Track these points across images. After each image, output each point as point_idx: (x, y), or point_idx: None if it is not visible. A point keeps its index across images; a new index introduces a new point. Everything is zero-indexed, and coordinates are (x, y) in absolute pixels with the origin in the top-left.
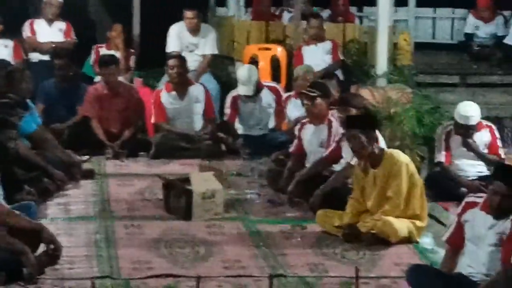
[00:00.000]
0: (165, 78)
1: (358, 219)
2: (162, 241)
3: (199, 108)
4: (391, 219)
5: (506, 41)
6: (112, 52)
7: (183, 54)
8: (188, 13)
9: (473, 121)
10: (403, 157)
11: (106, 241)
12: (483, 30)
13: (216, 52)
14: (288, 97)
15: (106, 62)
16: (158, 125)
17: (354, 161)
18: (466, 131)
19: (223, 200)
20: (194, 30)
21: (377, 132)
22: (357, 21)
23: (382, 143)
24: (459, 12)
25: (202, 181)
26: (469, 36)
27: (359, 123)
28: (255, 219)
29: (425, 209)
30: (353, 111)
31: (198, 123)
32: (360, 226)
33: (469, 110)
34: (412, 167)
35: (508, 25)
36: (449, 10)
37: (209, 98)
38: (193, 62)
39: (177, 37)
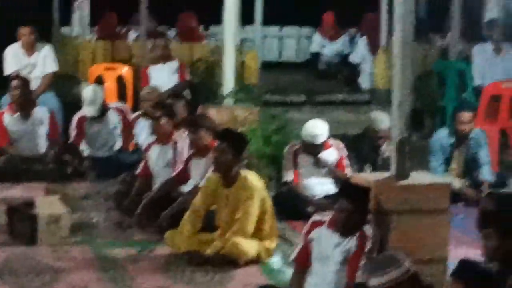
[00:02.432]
0: (8, 100)
1: (197, 239)
2: (6, 268)
3: (43, 130)
4: (240, 240)
5: (351, 59)
6: None
7: (23, 75)
8: (23, 30)
9: (320, 140)
10: (256, 181)
11: None
12: (329, 49)
13: (56, 69)
14: (135, 118)
15: None
16: (1, 149)
17: (202, 183)
18: (313, 148)
19: (69, 224)
20: (30, 49)
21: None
22: (204, 40)
23: None
24: (305, 31)
25: (47, 205)
26: (315, 55)
27: (231, 138)
28: (103, 243)
29: (274, 230)
30: (201, 131)
31: (43, 145)
32: (211, 247)
33: (316, 128)
34: (264, 191)
35: (353, 43)
36: (295, 29)
37: (54, 120)
38: (35, 81)
39: (13, 58)
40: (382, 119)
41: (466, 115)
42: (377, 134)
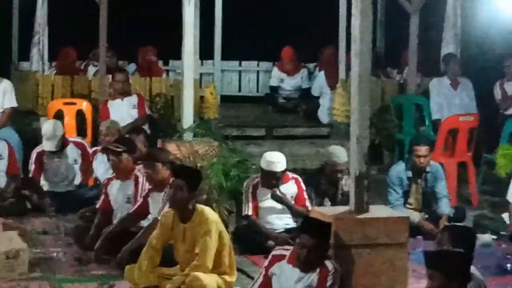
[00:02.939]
0: None
1: (156, 274)
2: None
3: (2, 164)
4: (200, 274)
5: (312, 92)
6: None
7: None
8: None
9: (279, 168)
10: (212, 215)
11: None
12: (288, 83)
13: (15, 104)
14: (95, 152)
15: None
16: None
17: (161, 216)
18: (272, 179)
19: (28, 260)
20: None
21: None
22: (164, 74)
23: None
24: (264, 65)
25: (6, 240)
26: (274, 89)
27: (187, 175)
28: (62, 278)
29: (234, 265)
30: (159, 165)
31: (2, 181)
32: (171, 282)
33: (275, 157)
34: (221, 225)
35: (312, 77)
36: (254, 63)
37: (13, 154)
38: None
39: None
40: (340, 153)
41: (423, 149)
42: (335, 168)
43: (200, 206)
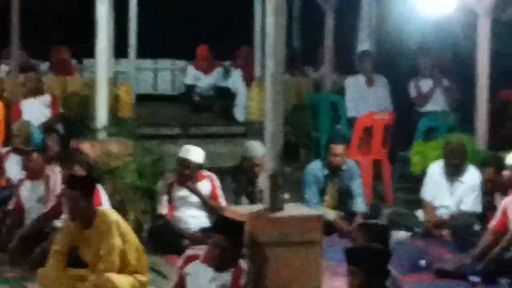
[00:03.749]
0: None
1: (67, 276)
2: None
3: None
4: (112, 275)
5: (226, 91)
6: None
7: None
8: None
9: (195, 157)
10: (113, 216)
11: None
12: (203, 81)
13: None
14: (7, 153)
15: None
16: None
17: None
18: (187, 168)
19: None
20: None
21: (99, 186)
22: (78, 73)
23: (104, 198)
24: (180, 63)
25: None
26: (190, 87)
27: (81, 185)
28: None
29: (144, 264)
30: (75, 166)
31: None
32: (85, 284)
33: (193, 147)
34: (124, 225)
35: (228, 76)
36: (169, 62)
37: None
38: None
39: None
40: (256, 148)
41: (339, 148)
42: (252, 162)
43: (100, 209)
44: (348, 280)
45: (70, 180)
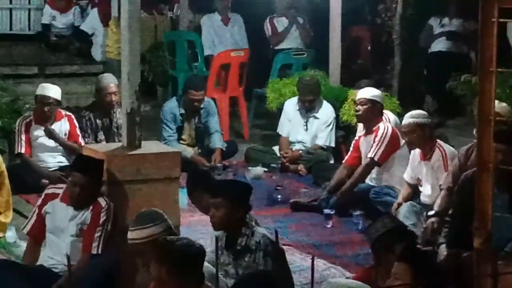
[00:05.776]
0: None
1: None
2: None
3: None
4: None
5: (82, 27)
6: None
7: None
8: None
9: (53, 93)
10: None
11: None
12: (60, 21)
13: None
14: None
15: None
16: None
17: None
18: (46, 105)
19: None
20: None
21: None
22: None
23: None
24: (36, 2)
25: None
26: (47, 27)
27: None
28: None
29: (9, 205)
30: None
31: None
32: None
33: (50, 85)
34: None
35: (85, 14)
36: (25, 1)
37: None
38: None
39: None
40: (108, 77)
41: (199, 94)
42: (106, 91)
43: None
44: (211, 213)
45: None
